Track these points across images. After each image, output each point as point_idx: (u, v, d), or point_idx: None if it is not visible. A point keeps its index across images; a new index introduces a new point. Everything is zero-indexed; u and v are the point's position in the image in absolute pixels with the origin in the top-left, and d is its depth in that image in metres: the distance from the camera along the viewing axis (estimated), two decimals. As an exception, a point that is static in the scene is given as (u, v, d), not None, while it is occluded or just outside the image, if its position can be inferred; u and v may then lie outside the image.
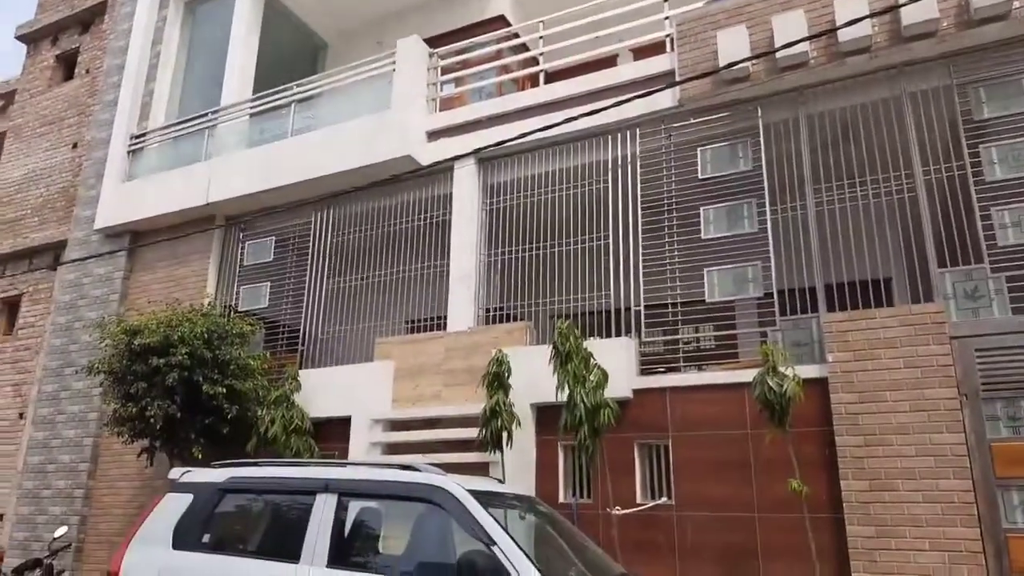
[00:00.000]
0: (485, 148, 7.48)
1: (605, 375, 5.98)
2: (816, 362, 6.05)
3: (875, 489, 5.49)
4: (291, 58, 11.82)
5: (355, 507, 4.40)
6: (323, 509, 4.26)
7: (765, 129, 6.80)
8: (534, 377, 6.52)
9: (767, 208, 6.59)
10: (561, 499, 6.62)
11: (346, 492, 4.34)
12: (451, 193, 8.24)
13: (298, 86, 9.59)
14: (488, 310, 7.91)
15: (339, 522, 4.25)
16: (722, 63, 6.64)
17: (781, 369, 5.25)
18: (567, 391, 5.96)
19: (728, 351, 6.74)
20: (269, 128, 9.71)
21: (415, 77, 8.74)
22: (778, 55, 6.42)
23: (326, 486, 4.36)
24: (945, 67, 6.24)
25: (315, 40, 12.39)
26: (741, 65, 6.47)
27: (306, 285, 8.91)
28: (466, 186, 8.17)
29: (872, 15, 5.84)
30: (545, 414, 6.75)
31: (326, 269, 8.90)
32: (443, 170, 8.17)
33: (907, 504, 5.36)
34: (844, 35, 6.20)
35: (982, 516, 5.22)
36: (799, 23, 6.49)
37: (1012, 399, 5.42)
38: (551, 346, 6.17)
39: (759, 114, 6.85)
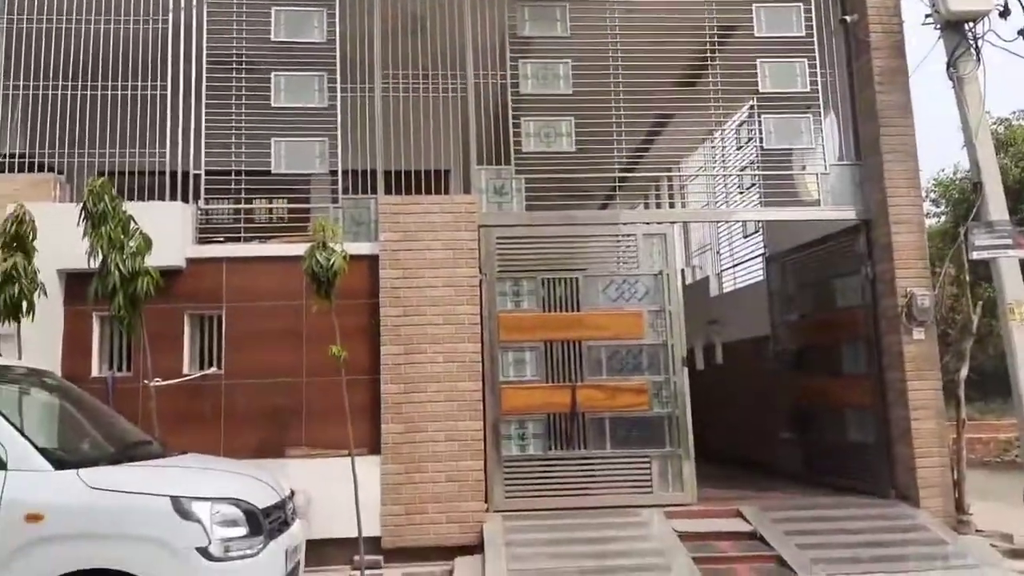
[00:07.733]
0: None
1: (148, 241, 5.49)
2: (371, 240, 6.48)
3: (408, 352, 6.26)
4: None
5: None
6: None
7: (341, 2, 6.69)
8: (65, 240, 5.61)
9: (338, 85, 6.62)
10: (95, 373, 6.12)
11: None
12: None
13: None
14: (6, 155, 6.50)
15: None
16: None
17: (331, 244, 5.48)
18: (100, 256, 5.34)
19: (302, 224, 6.75)
20: None
21: None
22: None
23: None
24: (503, -20, 6.88)
25: None
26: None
27: None
28: (-25, -7, 6.36)
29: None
30: (77, 282, 5.96)
31: None
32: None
33: (430, 364, 6.25)
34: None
35: (486, 372, 6.40)
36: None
37: (517, 279, 6.67)
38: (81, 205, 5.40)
39: (338, -16, 6.70)
